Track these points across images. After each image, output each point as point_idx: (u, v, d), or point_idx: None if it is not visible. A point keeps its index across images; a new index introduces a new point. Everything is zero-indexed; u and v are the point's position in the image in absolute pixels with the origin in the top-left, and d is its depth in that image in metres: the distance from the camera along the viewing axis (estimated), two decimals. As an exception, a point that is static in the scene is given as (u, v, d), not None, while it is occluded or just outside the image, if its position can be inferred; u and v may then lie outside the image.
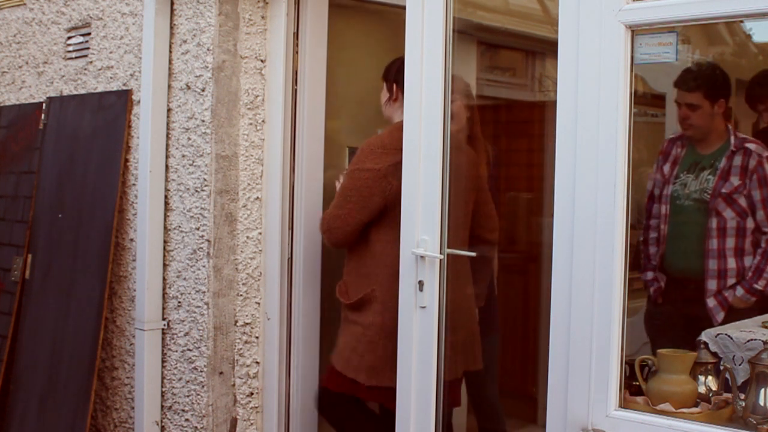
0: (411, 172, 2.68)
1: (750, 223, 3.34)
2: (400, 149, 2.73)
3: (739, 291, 3.35)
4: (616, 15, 2.12)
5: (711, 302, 3.38)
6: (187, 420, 3.22)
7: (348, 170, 2.96)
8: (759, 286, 3.32)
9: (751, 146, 3.35)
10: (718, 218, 3.35)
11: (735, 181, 3.36)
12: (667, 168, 3.53)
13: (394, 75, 3.00)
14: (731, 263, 3.37)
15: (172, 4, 3.23)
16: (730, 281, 3.37)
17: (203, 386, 3.14)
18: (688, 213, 3.43)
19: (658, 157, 3.56)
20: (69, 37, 3.76)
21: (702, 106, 3.42)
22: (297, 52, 3.23)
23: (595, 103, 2.16)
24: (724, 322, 3.25)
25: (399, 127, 2.80)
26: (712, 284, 3.38)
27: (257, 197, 3.24)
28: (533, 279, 4.64)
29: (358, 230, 2.94)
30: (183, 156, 3.22)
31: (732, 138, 3.39)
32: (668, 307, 3.54)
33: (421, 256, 2.66)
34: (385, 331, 2.88)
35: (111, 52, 3.53)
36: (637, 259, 4.14)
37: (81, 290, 3.46)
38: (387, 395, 2.86)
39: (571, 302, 2.22)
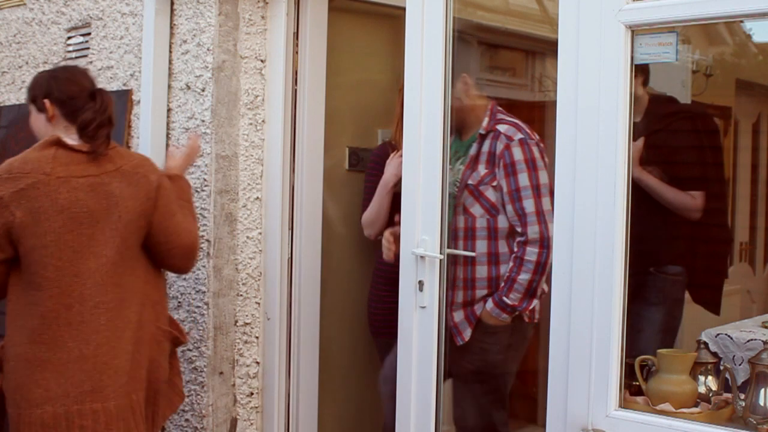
0: (411, 172, 2.68)
1: (502, 222, 2.86)
2: (31, 173, 2.32)
3: (489, 304, 2.86)
4: (616, 15, 2.12)
5: (458, 316, 2.90)
6: (187, 420, 3.22)
7: None
8: (510, 300, 2.82)
9: (502, 127, 2.87)
10: (466, 216, 2.88)
11: (482, 169, 2.87)
12: None
13: (45, 91, 2.50)
14: (481, 272, 2.87)
15: (172, 4, 3.23)
16: (480, 292, 2.88)
17: (203, 386, 3.14)
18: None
19: None
20: (69, 37, 3.76)
21: None
22: (297, 52, 3.23)
23: (595, 103, 2.16)
24: (474, 340, 2.87)
25: (38, 148, 2.41)
26: (459, 296, 2.89)
27: (257, 197, 3.24)
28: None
29: None
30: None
31: (486, 119, 2.91)
32: None
33: (421, 256, 2.66)
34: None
35: (111, 52, 3.53)
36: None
37: (81, 290, 3.46)
38: None
39: (571, 302, 2.22)
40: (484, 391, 3.05)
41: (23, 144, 3.94)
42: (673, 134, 3.18)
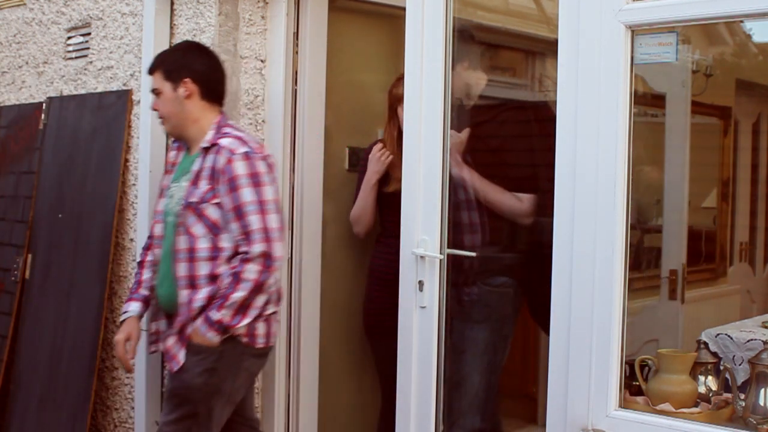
0: (411, 172, 2.68)
1: (226, 242, 2.64)
2: None
3: (198, 321, 2.62)
4: (616, 15, 2.12)
5: (170, 341, 2.69)
6: (187, 420, 3.21)
7: None
8: (217, 315, 2.57)
9: (225, 141, 2.66)
10: (188, 236, 2.66)
11: (204, 186, 2.66)
12: (167, 178, 2.87)
13: None
14: (204, 294, 2.63)
15: (172, 4, 3.23)
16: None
17: (203, 386, 3.14)
18: (170, 231, 2.74)
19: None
20: (69, 37, 3.76)
21: (162, 90, 2.76)
22: (297, 52, 3.23)
23: (595, 103, 2.16)
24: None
25: None
26: (176, 320, 2.69)
27: (257, 197, 3.24)
28: (533, 279, 4.64)
29: None
30: (183, 156, 3.21)
31: (211, 132, 2.72)
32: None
33: (421, 256, 2.66)
34: None
35: (111, 52, 3.53)
36: (637, 259, 4.14)
37: (81, 290, 3.46)
38: None
39: (571, 302, 2.22)
40: (179, 415, 2.68)
41: (23, 144, 3.95)
42: (501, 125, 2.86)
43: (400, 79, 3.19)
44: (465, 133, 2.84)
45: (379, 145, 3.26)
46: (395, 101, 3.17)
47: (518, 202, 2.84)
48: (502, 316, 2.92)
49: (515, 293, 2.95)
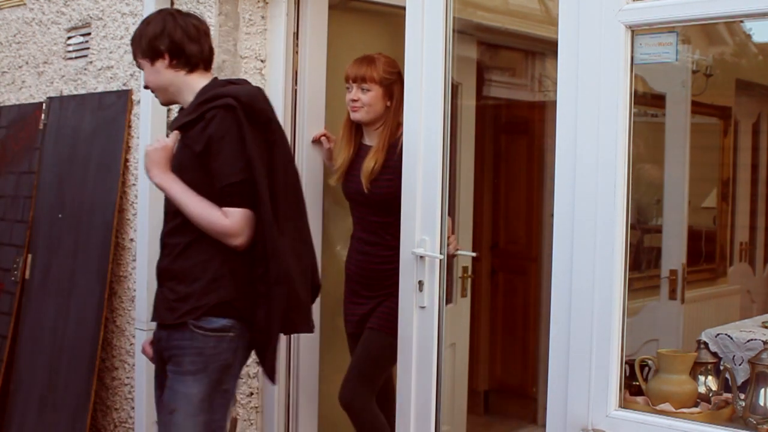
0: (411, 172, 2.68)
1: None
2: None
3: None
4: (616, 15, 2.13)
5: None
6: (187, 420, 3.21)
7: None
8: None
9: None
10: None
11: None
12: None
13: None
14: None
15: (172, 4, 3.23)
16: None
17: (203, 386, 3.14)
18: None
19: None
20: (69, 37, 3.76)
21: None
22: (297, 52, 3.23)
23: (595, 103, 2.16)
24: None
25: None
26: None
27: (257, 197, 3.24)
28: (533, 279, 4.65)
29: None
30: (183, 156, 3.21)
31: None
32: None
33: (421, 256, 2.66)
34: None
35: (111, 52, 3.53)
36: (637, 259, 4.14)
37: (81, 290, 3.46)
38: None
39: (571, 302, 2.22)
40: None
41: (23, 144, 3.94)
42: (208, 124, 2.32)
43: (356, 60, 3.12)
44: (173, 138, 2.43)
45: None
46: (346, 80, 3.11)
47: (221, 218, 2.32)
48: (222, 366, 2.37)
49: (237, 338, 2.39)
